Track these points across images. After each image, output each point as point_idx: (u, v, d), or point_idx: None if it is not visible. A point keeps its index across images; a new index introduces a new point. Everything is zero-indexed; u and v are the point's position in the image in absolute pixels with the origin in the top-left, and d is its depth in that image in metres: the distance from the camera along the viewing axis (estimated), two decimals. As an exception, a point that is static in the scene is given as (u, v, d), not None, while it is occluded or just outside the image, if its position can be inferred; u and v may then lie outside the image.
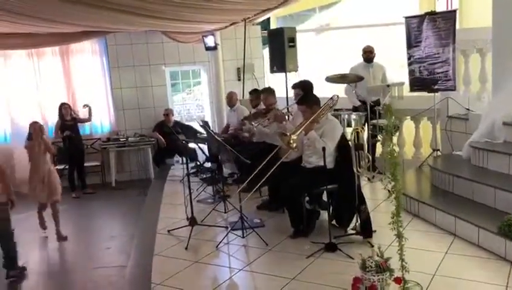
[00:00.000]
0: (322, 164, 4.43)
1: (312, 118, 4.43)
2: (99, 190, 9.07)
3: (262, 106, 6.63)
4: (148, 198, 7.19)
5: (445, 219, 4.61)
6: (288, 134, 4.37)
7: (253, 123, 6.18)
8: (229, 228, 4.97)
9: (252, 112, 7.40)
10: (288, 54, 7.84)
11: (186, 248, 4.65)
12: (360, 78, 6.38)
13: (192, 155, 8.24)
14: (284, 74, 7.88)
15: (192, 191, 5.19)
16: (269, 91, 6.43)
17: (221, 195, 6.21)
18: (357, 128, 4.43)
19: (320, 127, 4.60)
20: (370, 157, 4.84)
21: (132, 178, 9.70)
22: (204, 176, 7.38)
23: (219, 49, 9.37)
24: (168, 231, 5.19)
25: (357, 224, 4.51)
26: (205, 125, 5.93)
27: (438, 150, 6.34)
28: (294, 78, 8.19)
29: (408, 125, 7.13)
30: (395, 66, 8.71)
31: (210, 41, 9.08)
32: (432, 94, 6.32)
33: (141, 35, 9.43)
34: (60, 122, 8.60)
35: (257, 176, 5.18)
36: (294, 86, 5.49)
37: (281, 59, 7.82)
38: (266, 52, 10.01)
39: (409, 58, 6.33)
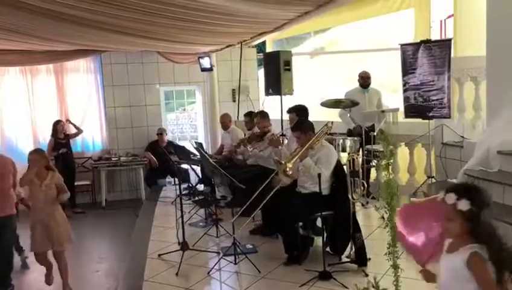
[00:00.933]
0: (317, 189, 4.40)
1: (307, 145, 4.40)
2: (89, 209, 8.92)
3: (256, 129, 6.60)
4: (139, 219, 7.08)
5: (440, 248, 4.55)
6: (283, 162, 4.33)
7: (248, 147, 6.14)
8: (221, 254, 4.88)
9: (246, 134, 7.38)
10: (284, 77, 7.82)
11: (177, 274, 4.55)
12: (355, 104, 6.39)
13: (184, 176, 8.20)
14: (279, 96, 7.95)
15: (184, 213, 5.11)
16: (263, 115, 6.42)
17: (213, 218, 6.14)
18: (353, 155, 4.40)
19: (314, 153, 4.57)
20: (365, 183, 4.79)
21: (123, 198, 9.58)
22: (197, 198, 7.29)
23: (214, 70, 9.37)
24: (159, 255, 5.10)
25: (351, 252, 4.45)
26: (199, 147, 5.89)
27: (433, 177, 6.32)
28: (289, 101, 8.22)
29: (402, 151, 7.12)
30: (388, 90, 8.77)
31: (206, 62, 9.09)
32: (427, 121, 6.35)
33: (136, 54, 9.44)
34: (53, 140, 8.50)
35: (251, 201, 5.15)
36: (290, 111, 5.48)
37: (276, 82, 7.80)
38: (261, 73, 10.06)
39: (404, 85, 6.35)
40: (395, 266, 3.19)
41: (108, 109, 9.54)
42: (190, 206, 6.95)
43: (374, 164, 6.58)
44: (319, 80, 10.19)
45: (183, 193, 7.56)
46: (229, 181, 4.43)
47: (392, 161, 3.36)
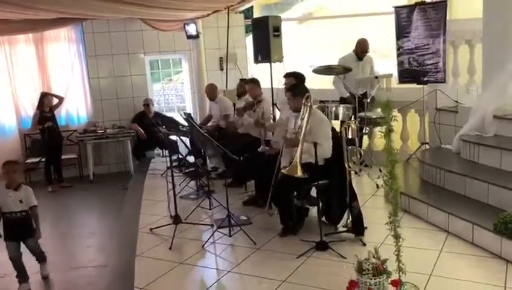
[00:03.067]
0: (312, 160, 4.29)
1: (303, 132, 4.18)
2: (77, 183, 8.73)
3: (248, 97, 6.38)
4: (128, 193, 6.94)
5: (437, 215, 4.50)
6: (293, 166, 4.12)
7: (245, 116, 6.00)
8: (215, 226, 4.78)
9: (236, 105, 7.20)
10: (273, 44, 7.61)
11: (170, 248, 4.43)
12: (348, 70, 6.22)
13: (173, 148, 8.03)
14: (268, 64, 7.73)
15: (174, 185, 4.97)
16: (254, 82, 6.22)
17: (205, 190, 6.02)
18: (348, 123, 4.26)
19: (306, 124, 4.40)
20: (361, 151, 4.68)
21: (111, 171, 9.41)
22: (187, 170, 7.14)
23: (201, 37, 9.08)
24: (151, 229, 4.97)
25: (348, 221, 4.37)
26: (189, 118, 5.70)
27: (427, 143, 6.24)
28: (279, 68, 8.02)
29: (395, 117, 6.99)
30: (379, 56, 8.59)
31: (192, 29, 8.79)
32: (421, 86, 6.22)
33: (119, 22, 9.10)
34: (38, 113, 8.19)
35: (243, 171, 5.00)
36: (288, 75, 5.28)
37: (265, 49, 7.58)
38: (249, 41, 9.79)
39: (398, 49, 6.18)
40: (397, 236, 3.11)
41: (92, 80, 9.24)
42: (180, 179, 6.82)
43: (366, 131, 6.46)
44: (308, 46, 9.94)
45: (173, 165, 7.44)
46: (221, 152, 4.28)
47: (393, 126, 3.22)
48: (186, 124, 6.67)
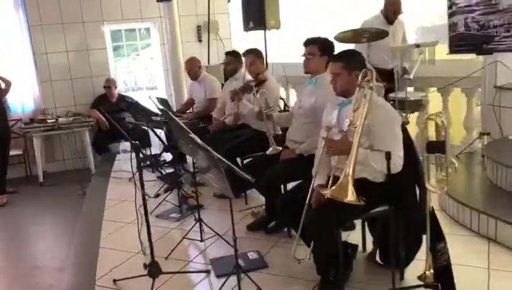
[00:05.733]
0: (366, 175, 2.71)
1: (359, 131, 2.55)
2: (23, 186, 6.96)
3: (245, 74, 4.66)
4: (86, 208, 5.15)
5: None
6: (341, 185, 2.51)
7: (244, 101, 4.27)
8: (212, 272, 3.15)
9: (224, 84, 5.52)
10: (269, 6, 6.06)
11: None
12: (383, 34, 4.55)
13: (143, 141, 6.42)
14: (262, 32, 6.12)
15: (147, 198, 3.29)
16: (256, 53, 4.47)
17: (189, 206, 4.37)
18: (432, 116, 2.62)
19: (365, 121, 2.76)
20: (456, 163, 3.05)
21: (67, 168, 7.64)
22: (163, 172, 5.46)
23: (174, 1, 7.26)
24: (114, 280, 3.26)
25: (427, 272, 2.77)
26: (166, 108, 3.99)
27: (488, 133, 4.70)
28: (275, 38, 6.46)
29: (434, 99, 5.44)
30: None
31: (162, -11, 6.98)
32: (470, 58, 4.71)
33: (70, -17, 7.21)
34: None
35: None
36: (310, 42, 3.54)
37: (258, 13, 6.06)
38: (232, 6, 8.12)
39: (450, 7, 4.56)
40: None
41: (38, 57, 7.35)
42: (155, 184, 5.16)
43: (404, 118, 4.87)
44: (307, 13, 8.17)
45: (145, 165, 5.77)
46: (225, 166, 2.61)
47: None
48: (159, 111, 4.98)
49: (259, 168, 3.65)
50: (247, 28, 6.33)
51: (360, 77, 2.68)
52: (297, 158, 3.53)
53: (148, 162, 5.92)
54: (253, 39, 6.61)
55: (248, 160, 4.25)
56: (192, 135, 2.66)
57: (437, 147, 2.60)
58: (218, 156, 2.54)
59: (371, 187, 2.74)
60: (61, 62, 7.51)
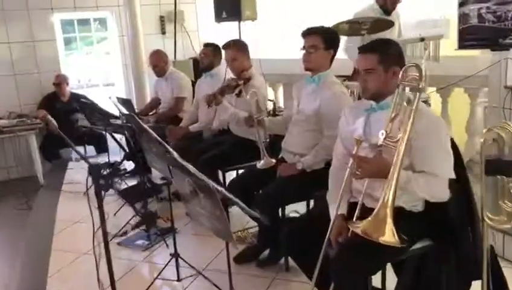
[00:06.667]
0: (403, 203, 2.10)
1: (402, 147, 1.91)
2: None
3: (222, 71, 3.93)
4: (31, 229, 4.28)
5: None
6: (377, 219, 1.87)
7: (224, 102, 3.54)
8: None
9: (198, 81, 4.77)
10: (244, -4, 5.45)
11: None
12: (389, 24, 3.93)
13: (99, 146, 5.66)
14: (235, 24, 5.48)
15: (107, 217, 2.51)
16: (239, 46, 3.73)
17: (159, 230, 3.62)
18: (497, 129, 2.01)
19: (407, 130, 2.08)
20: None
21: (11, 177, 6.71)
22: (124, 184, 4.67)
23: (134, -13, 6.47)
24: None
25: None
26: (131, 111, 3.22)
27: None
28: (251, 30, 5.85)
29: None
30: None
31: (121, -26, 6.18)
32: (479, 54, 4.18)
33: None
34: None
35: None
36: (312, 32, 2.84)
37: (233, 2, 5.43)
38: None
39: (460, -5, 4.00)
40: None
41: (-26, 49, 6.43)
42: (116, 201, 4.38)
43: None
44: (288, 2, 7.43)
45: (102, 173, 4.95)
46: (232, 203, 1.89)
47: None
48: (118, 114, 4.19)
49: (251, 186, 2.97)
50: (219, 18, 5.65)
51: (400, 75, 2.02)
52: (299, 175, 2.87)
53: (104, 172, 5.10)
54: (225, 32, 5.93)
55: (231, 173, 3.54)
56: (176, 155, 1.91)
57: (500, 167, 1.98)
58: (224, 191, 1.81)
59: (409, 219, 2.10)
60: (2, 55, 6.59)
